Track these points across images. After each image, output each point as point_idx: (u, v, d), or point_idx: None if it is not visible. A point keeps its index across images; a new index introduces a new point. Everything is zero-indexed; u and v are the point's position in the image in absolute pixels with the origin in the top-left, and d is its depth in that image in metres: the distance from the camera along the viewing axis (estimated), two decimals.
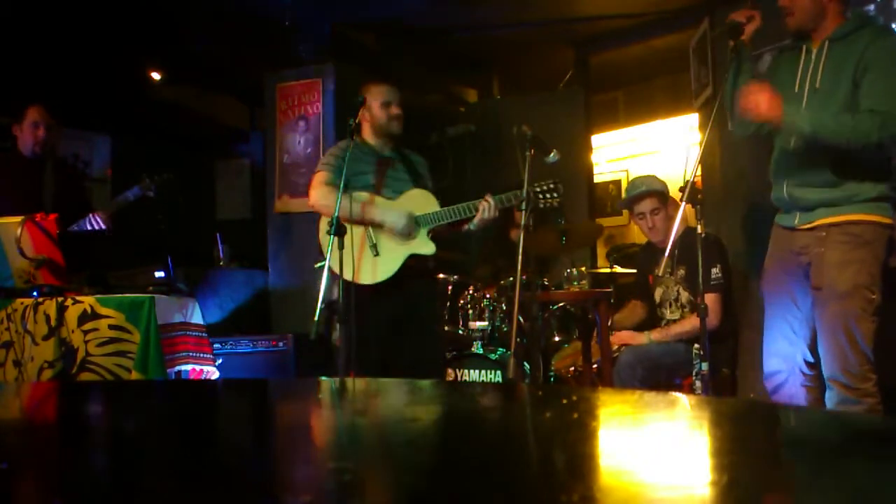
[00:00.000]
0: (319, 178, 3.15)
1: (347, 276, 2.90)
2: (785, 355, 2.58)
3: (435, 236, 3.11)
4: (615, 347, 3.44)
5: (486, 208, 3.03)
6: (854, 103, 2.37)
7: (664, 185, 3.50)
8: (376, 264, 3.01)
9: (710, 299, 3.14)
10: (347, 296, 2.80)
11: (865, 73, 2.35)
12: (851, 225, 2.40)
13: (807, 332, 2.55)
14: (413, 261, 3.05)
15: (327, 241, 3.07)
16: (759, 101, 2.37)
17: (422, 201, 3.11)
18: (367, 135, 3.23)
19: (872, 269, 2.40)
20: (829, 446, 0.81)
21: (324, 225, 3.15)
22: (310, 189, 3.17)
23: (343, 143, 3.25)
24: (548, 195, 3.06)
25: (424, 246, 3.07)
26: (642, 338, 3.38)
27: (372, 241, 3.04)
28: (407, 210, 3.06)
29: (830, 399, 2.44)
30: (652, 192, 3.40)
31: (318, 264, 3.10)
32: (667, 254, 2.54)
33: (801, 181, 2.50)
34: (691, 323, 3.22)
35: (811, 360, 2.56)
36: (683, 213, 2.49)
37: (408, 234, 3.02)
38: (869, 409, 2.39)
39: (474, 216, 3.06)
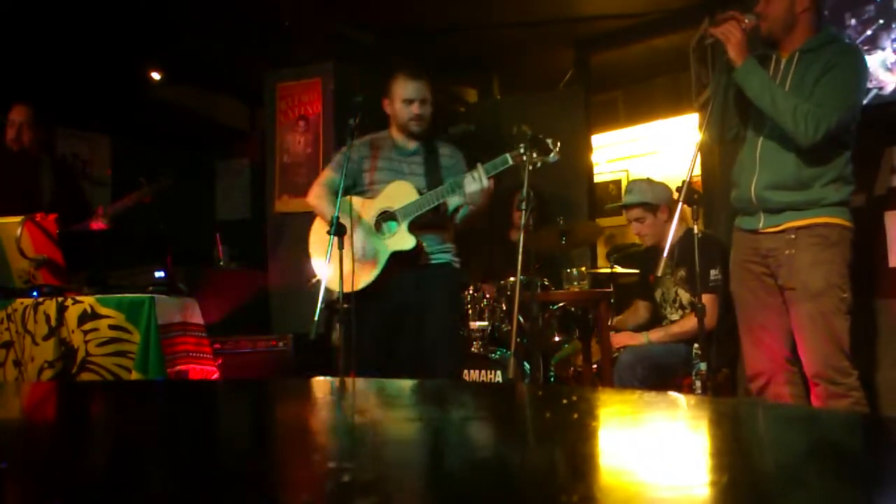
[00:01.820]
0: (321, 176, 3.13)
1: (346, 287, 2.82)
2: (765, 356, 2.62)
3: (427, 224, 3.00)
4: (615, 348, 3.44)
5: (472, 180, 2.85)
6: None
7: (657, 189, 3.50)
8: (363, 268, 2.95)
9: (708, 300, 3.15)
10: (347, 296, 2.78)
11: (822, 77, 2.44)
12: (819, 227, 2.48)
13: (781, 331, 2.59)
14: (401, 256, 2.96)
15: (316, 246, 3.07)
16: (733, 35, 2.49)
17: (400, 194, 2.98)
18: (392, 129, 3.13)
19: (841, 268, 2.47)
20: (828, 445, 0.81)
21: (316, 228, 3.13)
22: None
23: (358, 140, 3.16)
24: (534, 155, 2.80)
25: (404, 241, 2.95)
26: (641, 338, 3.39)
27: (355, 245, 2.97)
28: (383, 207, 2.98)
29: (818, 396, 2.48)
30: (634, 205, 3.49)
31: (315, 279, 3.06)
32: (665, 254, 2.55)
33: (769, 183, 2.54)
34: (690, 323, 3.23)
35: (791, 357, 2.59)
36: (682, 213, 2.52)
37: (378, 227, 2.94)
38: (855, 403, 2.45)
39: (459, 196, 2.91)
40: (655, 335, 3.37)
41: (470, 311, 3.82)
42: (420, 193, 2.96)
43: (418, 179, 3.04)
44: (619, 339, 3.45)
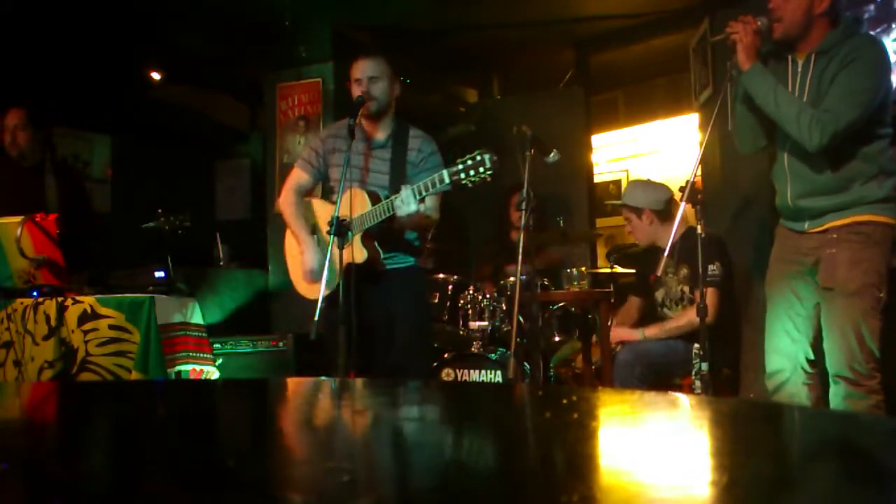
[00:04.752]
0: (291, 178, 3.03)
1: (310, 293, 2.73)
2: (787, 353, 2.60)
3: (381, 232, 2.83)
4: (612, 344, 3.44)
5: (399, 204, 2.65)
6: None
7: (646, 192, 3.51)
8: (324, 276, 2.66)
9: (708, 293, 3.16)
10: (347, 296, 2.73)
11: (838, 74, 2.40)
12: (861, 225, 2.44)
13: (809, 331, 2.58)
14: (360, 269, 2.78)
15: (290, 254, 3.02)
16: (746, 38, 2.47)
17: (356, 204, 2.79)
18: (361, 118, 2.91)
19: (880, 268, 2.44)
20: (830, 446, 0.81)
21: (289, 239, 3.06)
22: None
23: (324, 132, 3.10)
24: (472, 173, 2.56)
25: (358, 254, 2.78)
26: (636, 334, 3.39)
27: (319, 253, 2.86)
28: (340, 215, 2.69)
29: (836, 394, 2.46)
30: (622, 206, 3.56)
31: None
32: (666, 254, 2.55)
33: (805, 191, 2.52)
34: (686, 318, 3.24)
35: (812, 357, 2.58)
36: (684, 212, 2.52)
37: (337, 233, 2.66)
38: (874, 406, 2.43)
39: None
40: (651, 331, 3.37)
41: (470, 311, 3.82)
42: (373, 201, 2.79)
43: (381, 177, 2.90)
44: (616, 335, 3.46)
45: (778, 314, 2.64)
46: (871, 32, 3.45)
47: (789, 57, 2.56)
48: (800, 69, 2.52)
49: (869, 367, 2.42)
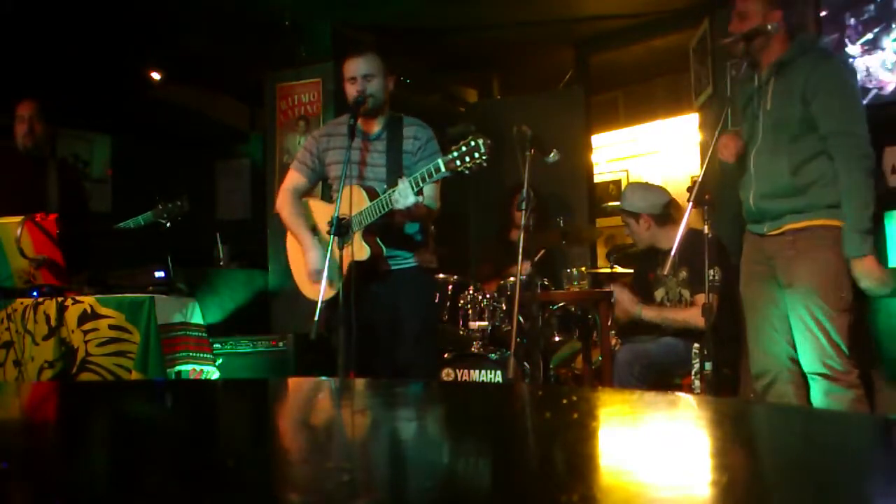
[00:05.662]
0: (287, 180, 3.01)
1: (315, 294, 2.65)
2: (770, 354, 2.68)
3: (383, 229, 2.78)
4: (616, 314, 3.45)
5: (398, 197, 2.59)
6: (804, 123, 2.52)
7: (642, 197, 3.50)
8: (324, 278, 2.59)
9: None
10: (347, 296, 2.72)
11: (815, 96, 2.49)
12: (818, 229, 2.53)
13: (786, 331, 2.64)
14: (359, 266, 2.74)
15: (292, 255, 3.01)
16: (731, 153, 2.67)
17: (355, 201, 2.73)
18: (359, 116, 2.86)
19: (839, 267, 2.50)
20: (828, 445, 0.81)
21: (290, 236, 3.04)
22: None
23: (318, 131, 3.09)
24: (467, 159, 2.49)
25: (360, 251, 2.73)
26: (634, 308, 3.38)
27: (322, 252, 2.79)
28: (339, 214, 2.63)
29: (817, 392, 2.52)
30: (619, 210, 3.56)
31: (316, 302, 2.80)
32: (673, 253, 2.57)
33: (767, 192, 2.61)
34: (685, 313, 3.24)
35: (795, 356, 2.63)
36: (687, 214, 2.57)
37: (334, 231, 2.58)
38: (857, 399, 2.49)
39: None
40: (649, 312, 3.36)
41: (470, 311, 3.82)
42: (371, 197, 2.73)
43: (378, 171, 2.85)
44: (618, 297, 3.44)
45: (755, 317, 2.73)
46: (871, 33, 3.47)
47: (755, 77, 2.67)
48: (762, 82, 2.63)
49: (842, 362, 2.48)
